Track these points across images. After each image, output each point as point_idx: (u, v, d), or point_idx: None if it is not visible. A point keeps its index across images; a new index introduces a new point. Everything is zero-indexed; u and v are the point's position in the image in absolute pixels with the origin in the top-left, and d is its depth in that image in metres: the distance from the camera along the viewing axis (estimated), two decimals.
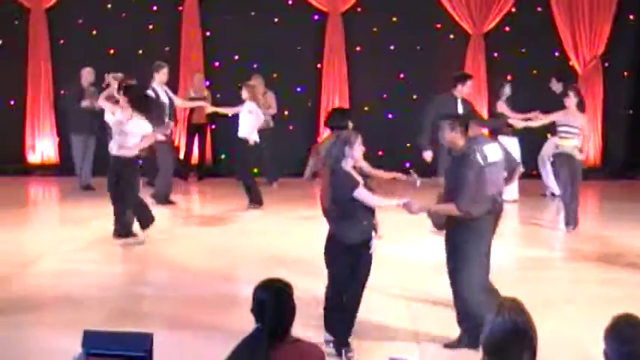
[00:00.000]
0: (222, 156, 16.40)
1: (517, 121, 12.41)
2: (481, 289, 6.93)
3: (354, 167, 6.87)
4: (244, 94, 13.08)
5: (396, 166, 8.75)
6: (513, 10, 16.14)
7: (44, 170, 16.34)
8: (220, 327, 7.30)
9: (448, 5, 16.07)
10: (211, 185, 15.65)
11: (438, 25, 16.31)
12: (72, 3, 16.23)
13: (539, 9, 16.17)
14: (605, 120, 16.33)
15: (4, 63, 16.09)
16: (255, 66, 15.59)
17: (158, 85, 12.84)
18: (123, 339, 4.13)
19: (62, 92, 16.00)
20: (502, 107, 13.68)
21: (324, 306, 7.02)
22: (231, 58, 16.28)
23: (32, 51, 16.33)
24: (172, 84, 14.62)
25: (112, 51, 16.12)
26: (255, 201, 13.03)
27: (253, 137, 12.94)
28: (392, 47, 16.35)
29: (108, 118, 11.17)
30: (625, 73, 16.50)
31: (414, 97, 15.84)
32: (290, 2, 16.35)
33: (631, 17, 16.34)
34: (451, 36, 16.37)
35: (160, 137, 11.98)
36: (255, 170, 13.78)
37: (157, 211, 12.69)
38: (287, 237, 11.22)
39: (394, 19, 16.28)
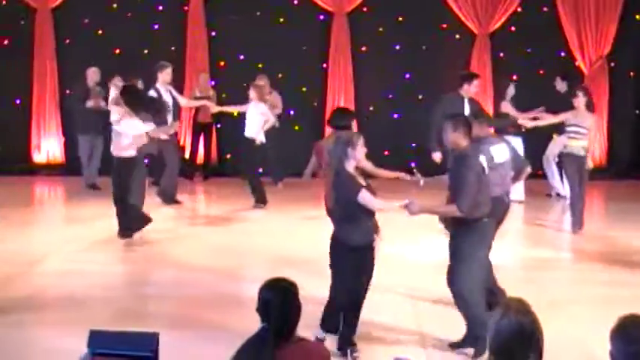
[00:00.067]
0: (228, 155, 16.40)
1: (526, 121, 12.35)
2: (481, 290, 6.91)
3: (357, 168, 6.88)
4: (252, 94, 13.09)
5: (402, 165, 8.73)
6: (519, 10, 16.14)
7: (50, 170, 16.37)
8: (225, 327, 7.30)
9: (454, 5, 16.06)
10: (217, 185, 15.66)
11: (444, 25, 16.30)
12: (78, 3, 16.26)
13: (545, 9, 16.16)
14: (610, 120, 16.32)
15: (10, 62, 16.12)
16: (260, 66, 15.60)
17: (161, 85, 12.83)
18: (129, 339, 4.12)
19: (68, 92, 16.03)
20: (506, 107, 13.69)
21: (327, 305, 7.00)
22: (237, 57, 16.30)
23: (38, 50, 16.36)
24: (178, 84, 14.65)
25: (117, 51, 16.15)
26: (260, 200, 13.05)
27: (260, 137, 12.96)
28: (397, 47, 16.35)
29: (113, 119, 11.20)
30: (631, 73, 16.49)
31: (420, 97, 15.84)
32: (295, 2, 16.35)
33: (637, 17, 16.34)
34: (457, 36, 16.36)
35: (164, 137, 11.99)
36: (261, 170, 13.79)
37: (163, 210, 12.76)
38: (292, 237, 11.22)
39: (400, 19, 16.28)
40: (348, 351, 6.84)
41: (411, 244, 10.59)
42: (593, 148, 15.18)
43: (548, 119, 12.21)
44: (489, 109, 15.02)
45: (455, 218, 6.82)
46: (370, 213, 6.76)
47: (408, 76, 16.36)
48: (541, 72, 15.80)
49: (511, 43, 16.24)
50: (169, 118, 12.64)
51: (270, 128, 13.21)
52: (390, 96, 16.34)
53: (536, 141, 13.82)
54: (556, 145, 13.75)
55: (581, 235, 11.45)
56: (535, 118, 12.84)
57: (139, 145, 10.48)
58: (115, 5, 16.34)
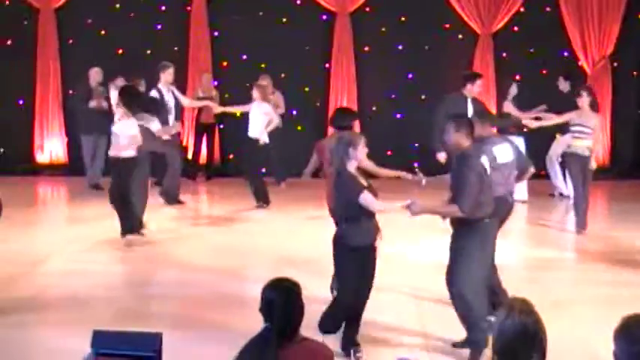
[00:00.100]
0: (231, 156, 16.41)
1: (531, 121, 12.31)
2: (482, 290, 6.90)
3: (358, 168, 6.88)
4: (255, 94, 13.08)
5: (405, 165, 8.71)
6: (522, 10, 16.12)
7: (53, 170, 16.38)
8: (228, 327, 7.30)
9: (457, 5, 16.06)
10: (219, 185, 15.66)
11: (447, 25, 16.29)
12: (81, 3, 16.27)
13: (547, 9, 16.14)
14: (614, 120, 16.29)
15: (13, 63, 16.13)
16: (263, 66, 15.60)
17: (164, 86, 12.82)
18: (132, 339, 4.11)
19: (71, 92, 16.05)
20: (508, 107, 13.69)
21: (330, 305, 6.99)
22: (240, 58, 16.30)
23: (41, 51, 16.38)
24: (181, 84, 14.65)
25: (120, 51, 16.16)
26: (263, 200, 13.05)
27: (264, 138, 12.96)
28: (400, 47, 16.35)
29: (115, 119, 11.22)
30: (634, 73, 16.47)
31: (423, 97, 15.85)
32: (298, 2, 16.35)
33: None
34: (460, 36, 16.35)
35: (166, 137, 12.00)
36: (263, 170, 13.79)
37: (166, 210, 12.77)
38: (295, 237, 11.22)
39: (403, 19, 16.28)
40: (352, 351, 6.84)
41: (413, 244, 10.58)
42: (598, 149, 15.15)
43: (552, 120, 12.14)
44: (492, 109, 15.01)
45: (456, 218, 6.81)
46: (371, 214, 6.76)
47: (410, 76, 16.36)
48: (544, 72, 15.79)
49: (514, 43, 16.22)
50: (170, 118, 12.63)
51: (274, 129, 13.20)
52: (393, 96, 16.34)
53: (539, 141, 13.80)
54: (559, 145, 13.74)
55: (585, 235, 11.44)
56: (538, 118, 12.82)
57: (135, 145, 10.45)
58: (117, 5, 16.36)
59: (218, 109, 14.26)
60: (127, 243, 10.53)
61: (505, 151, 7.95)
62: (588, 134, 11.30)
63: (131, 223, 10.65)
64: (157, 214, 12.06)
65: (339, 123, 8.41)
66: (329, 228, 7.20)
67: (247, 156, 13.33)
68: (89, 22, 16.33)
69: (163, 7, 16.40)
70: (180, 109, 13.50)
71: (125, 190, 10.47)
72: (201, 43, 16.37)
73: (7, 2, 16.39)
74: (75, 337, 6.27)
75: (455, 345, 7.01)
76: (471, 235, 6.75)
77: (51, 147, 16.50)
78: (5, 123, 16.07)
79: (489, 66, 16.15)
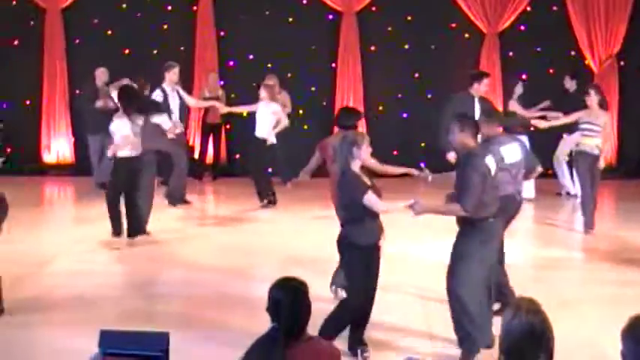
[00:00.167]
0: (237, 155, 16.41)
1: (540, 121, 12.23)
2: (481, 292, 6.87)
3: (363, 167, 6.88)
4: (263, 93, 13.07)
5: (411, 165, 8.68)
6: (528, 9, 16.09)
7: (59, 170, 16.40)
8: (235, 327, 7.31)
9: (463, 4, 16.03)
10: (226, 185, 15.66)
11: (453, 25, 16.27)
12: (87, 3, 16.29)
13: (554, 8, 16.10)
14: (620, 119, 16.24)
15: (20, 63, 16.16)
16: (269, 65, 15.59)
17: (168, 85, 12.78)
18: (139, 338, 4.12)
19: (78, 92, 16.07)
20: (514, 106, 13.68)
21: (336, 309, 6.98)
22: (246, 57, 16.30)
23: (48, 51, 16.39)
24: (187, 84, 14.66)
25: (127, 51, 16.18)
26: (269, 200, 13.05)
27: (271, 138, 12.96)
28: (407, 47, 16.34)
29: None
30: None
31: (429, 96, 15.83)
32: (304, 2, 16.35)
33: None
34: (466, 35, 16.33)
35: (171, 136, 12.01)
36: (270, 170, 13.79)
37: (172, 210, 12.77)
38: (302, 236, 11.22)
39: (409, 18, 16.26)
40: (359, 351, 6.84)
41: (417, 243, 10.57)
42: (608, 148, 15.10)
43: (561, 119, 12.07)
44: (499, 109, 14.99)
45: (461, 217, 6.80)
46: (375, 214, 6.76)
47: (417, 75, 16.33)
48: (550, 71, 15.76)
49: (520, 42, 16.19)
50: (173, 118, 12.60)
51: (282, 129, 13.19)
52: (399, 95, 16.32)
53: (545, 140, 13.77)
54: (566, 144, 13.72)
55: (592, 235, 11.41)
56: (543, 117, 12.79)
57: (129, 146, 10.38)
58: (124, 5, 16.37)
59: (224, 109, 14.25)
60: (129, 244, 10.54)
61: (513, 151, 7.93)
62: (597, 132, 11.26)
63: (138, 225, 10.66)
64: (163, 214, 12.06)
65: (344, 122, 8.41)
66: (335, 228, 7.19)
67: (254, 156, 13.33)
68: (95, 22, 16.35)
69: (170, 7, 16.41)
70: (185, 109, 13.50)
71: (125, 190, 10.48)
72: (208, 43, 16.37)
73: (14, 2, 16.41)
74: (81, 337, 6.29)
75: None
76: (473, 234, 6.74)
77: (58, 147, 16.52)
78: (12, 123, 16.07)
79: (496, 65, 16.11)
